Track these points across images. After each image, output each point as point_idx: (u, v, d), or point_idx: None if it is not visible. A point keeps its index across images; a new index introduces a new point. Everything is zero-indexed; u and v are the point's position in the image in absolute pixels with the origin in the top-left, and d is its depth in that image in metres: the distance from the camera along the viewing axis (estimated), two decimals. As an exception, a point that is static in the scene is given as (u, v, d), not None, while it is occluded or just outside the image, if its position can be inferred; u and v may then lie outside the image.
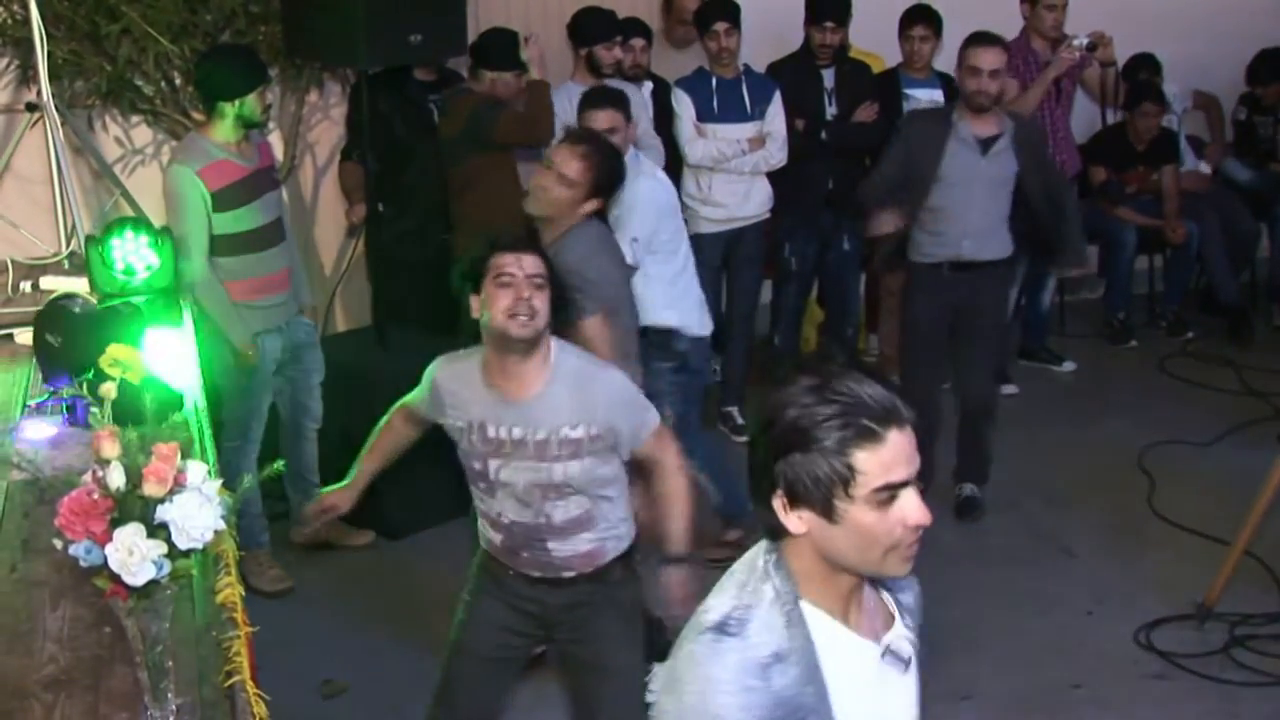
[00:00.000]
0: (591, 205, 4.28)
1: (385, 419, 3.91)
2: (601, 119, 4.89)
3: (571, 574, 3.58)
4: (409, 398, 3.74)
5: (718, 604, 2.00)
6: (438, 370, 3.60)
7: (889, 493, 1.91)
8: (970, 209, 5.51)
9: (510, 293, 3.32)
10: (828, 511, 1.92)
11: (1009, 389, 7.12)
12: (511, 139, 5.75)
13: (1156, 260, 8.17)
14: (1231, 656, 4.73)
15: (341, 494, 3.98)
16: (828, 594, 1.99)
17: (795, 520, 1.95)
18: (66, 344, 3.67)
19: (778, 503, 1.95)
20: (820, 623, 1.98)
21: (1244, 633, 4.84)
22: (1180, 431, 6.40)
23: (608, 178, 4.29)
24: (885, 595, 2.13)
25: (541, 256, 3.45)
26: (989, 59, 5.40)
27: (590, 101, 5.08)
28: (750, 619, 1.96)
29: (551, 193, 4.23)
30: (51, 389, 3.71)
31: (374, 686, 4.74)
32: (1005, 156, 5.48)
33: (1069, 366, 7.47)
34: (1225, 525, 5.10)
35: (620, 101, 5.06)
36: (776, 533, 1.99)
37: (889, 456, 1.90)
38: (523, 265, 3.38)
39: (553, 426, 3.40)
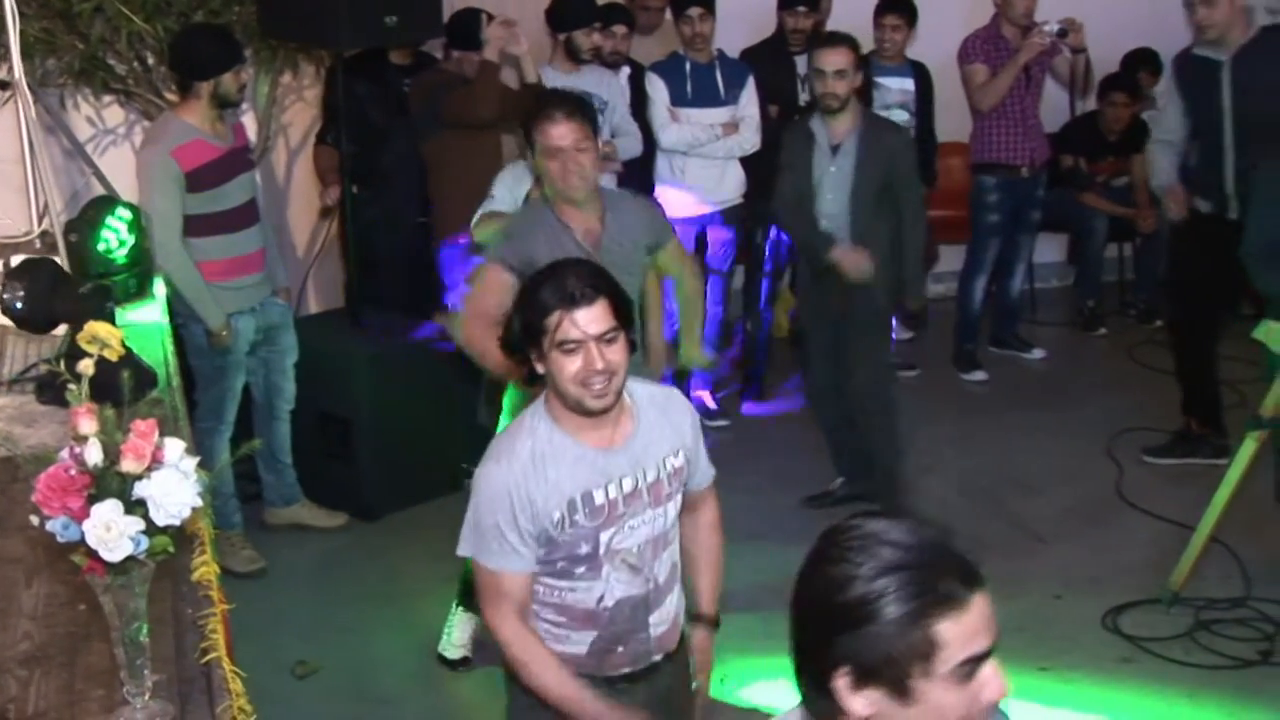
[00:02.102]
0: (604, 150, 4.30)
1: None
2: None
3: (659, 657, 3.10)
4: (496, 568, 2.91)
5: None
6: (498, 479, 2.86)
7: (972, 666, 1.68)
8: (825, 212, 5.47)
9: (579, 359, 2.77)
10: (901, 692, 1.68)
11: (978, 375, 7.17)
12: (454, 117, 5.77)
13: (1126, 249, 8.24)
14: (1196, 640, 4.78)
15: None
16: None
17: (860, 702, 1.70)
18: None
19: (840, 683, 1.70)
20: None
21: (1209, 617, 4.88)
22: (1149, 419, 6.44)
23: (593, 118, 4.11)
24: None
25: (609, 297, 2.80)
26: (833, 60, 5.30)
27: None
28: None
29: (585, 165, 3.94)
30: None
31: (347, 667, 4.74)
32: (848, 159, 5.41)
33: (1039, 354, 7.51)
34: (1191, 512, 5.14)
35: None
36: (831, 716, 1.75)
37: (972, 625, 1.68)
38: (589, 325, 2.77)
39: (659, 460, 2.96)
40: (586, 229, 3.99)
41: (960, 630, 1.67)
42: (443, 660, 4.72)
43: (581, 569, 2.92)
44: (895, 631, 1.65)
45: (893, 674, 1.67)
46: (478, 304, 3.99)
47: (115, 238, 4.28)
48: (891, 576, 1.67)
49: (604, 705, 2.90)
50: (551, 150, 3.93)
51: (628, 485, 2.90)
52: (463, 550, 2.94)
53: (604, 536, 2.89)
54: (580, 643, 2.99)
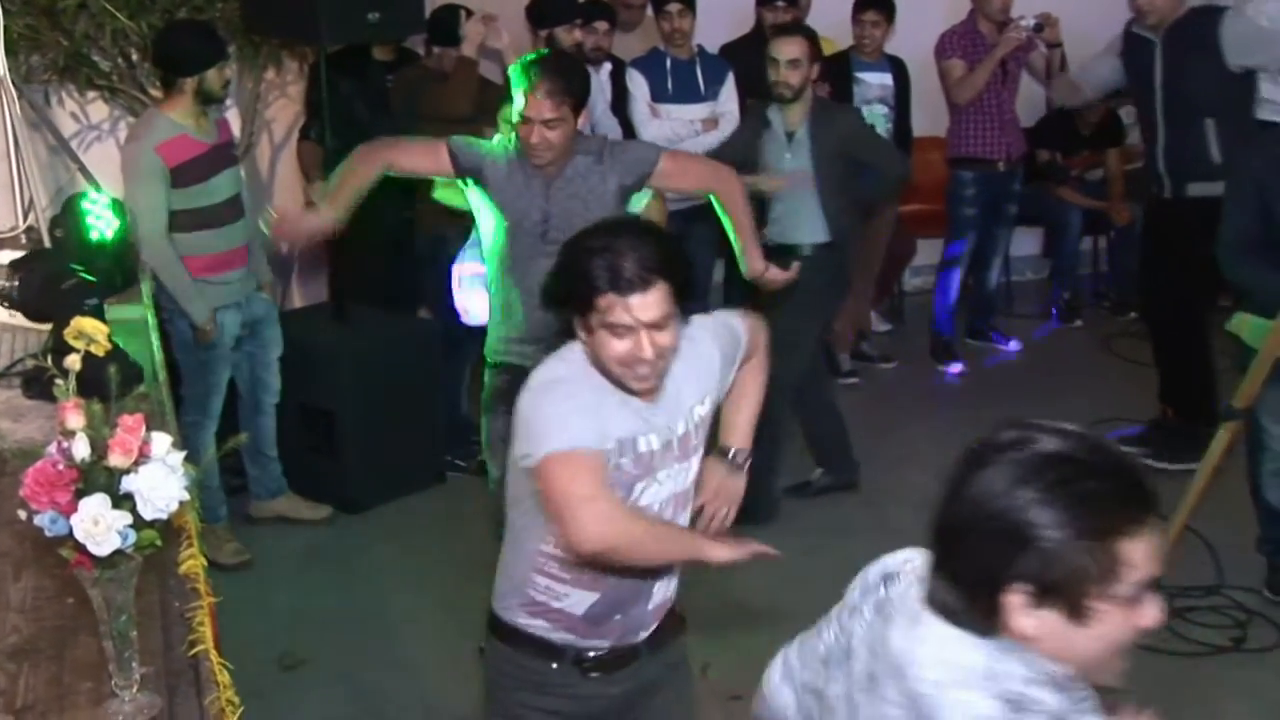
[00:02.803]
0: (583, 120, 4.19)
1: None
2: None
3: (643, 637, 2.92)
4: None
5: None
6: (565, 376, 2.67)
7: (1142, 589, 1.65)
8: (778, 197, 5.49)
9: (625, 344, 2.59)
10: (1077, 612, 1.64)
11: (956, 367, 7.19)
12: (432, 112, 5.77)
13: (1101, 242, 8.27)
14: (1171, 628, 4.80)
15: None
16: None
17: (1032, 622, 1.65)
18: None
19: (1014, 600, 1.65)
20: None
21: (1183, 605, 4.90)
22: (1125, 409, 6.47)
23: (581, 91, 4.07)
24: None
25: (668, 280, 2.58)
26: (787, 49, 5.33)
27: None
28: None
29: (551, 141, 3.98)
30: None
31: (331, 659, 4.73)
32: (803, 149, 5.44)
33: (1015, 345, 7.54)
34: (1166, 501, 5.14)
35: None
36: (984, 629, 1.69)
37: (1152, 545, 1.64)
38: (642, 312, 2.57)
39: (686, 411, 2.79)
40: (551, 173, 4.05)
41: (1143, 550, 1.63)
42: None
43: None
44: (1082, 549, 1.60)
45: (1073, 593, 1.62)
46: (393, 143, 4.25)
47: (102, 223, 4.23)
48: (1076, 493, 1.62)
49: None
50: (525, 118, 3.98)
51: (663, 438, 2.73)
52: (527, 458, 2.62)
53: (637, 488, 2.72)
54: (579, 604, 2.80)
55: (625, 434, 2.66)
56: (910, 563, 1.91)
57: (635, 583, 2.81)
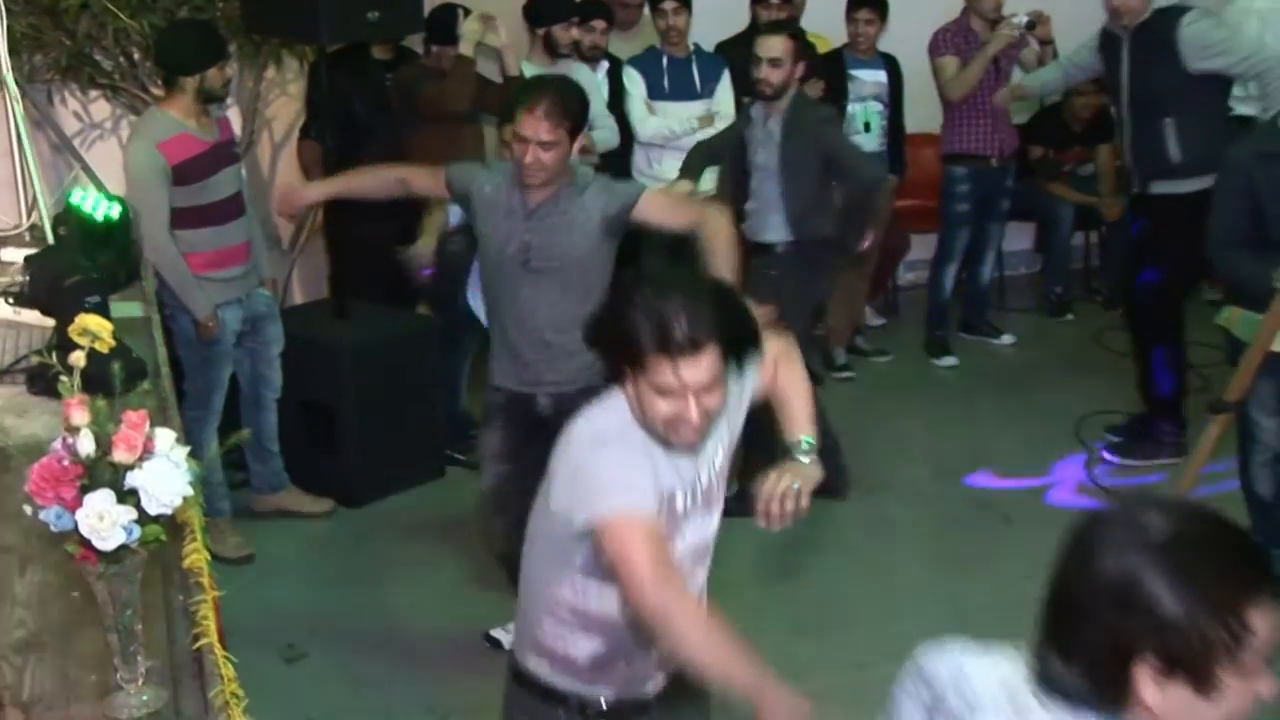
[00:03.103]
0: (578, 145, 4.13)
1: None
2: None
3: (654, 687, 2.81)
4: None
5: None
6: (620, 431, 2.53)
7: (1265, 659, 1.59)
8: (751, 195, 5.50)
9: (671, 406, 2.44)
10: (1205, 684, 1.58)
11: (949, 361, 7.20)
12: (430, 110, 5.77)
13: (1093, 236, 8.28)
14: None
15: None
16: None
17: (1159, 696, 1.59)
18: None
19: (1143, 673, 1.59)
20: None
21: (1175, 595, 4.91)
22: (1115, 401, 6.48)
23: (579, 113, 4.04)
24: None
25: (719, 341, 2.41)
26: (769, 47, 5.33)
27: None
28: None
29: (544, 162, 3.96)
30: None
31: (333, 651, 4.74)
32: (773, 144, 5.44)
33: (1008, 339, 7.54)
34: (1158, 491, 5.18)
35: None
36: (1110, 708, 1.63)
37: (1273, 615, 1.58)
38: (691, 376, 2.40)
39: (709, 460, 2.66)
40: (537, 199, 4.05)
41: (1265, 617, 1.58)
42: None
43: None
44: (1211, 618, 1.56)
45: (1202, 664, 1.57)
46: (410, 169, 4.50)
47: (103, 207, 4.19)
48: (1201, 564, 1.58)
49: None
50: (519, 136, 3.96)
51: (691, 490, 2.61)
52: (574, 512, 2.50)
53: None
54: (582, 649, 2.70)
55: (666, 489, 2.54)
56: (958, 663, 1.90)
57: (642, 633, 2.64)
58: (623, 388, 2.51)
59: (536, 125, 3.92)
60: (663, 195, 4.41)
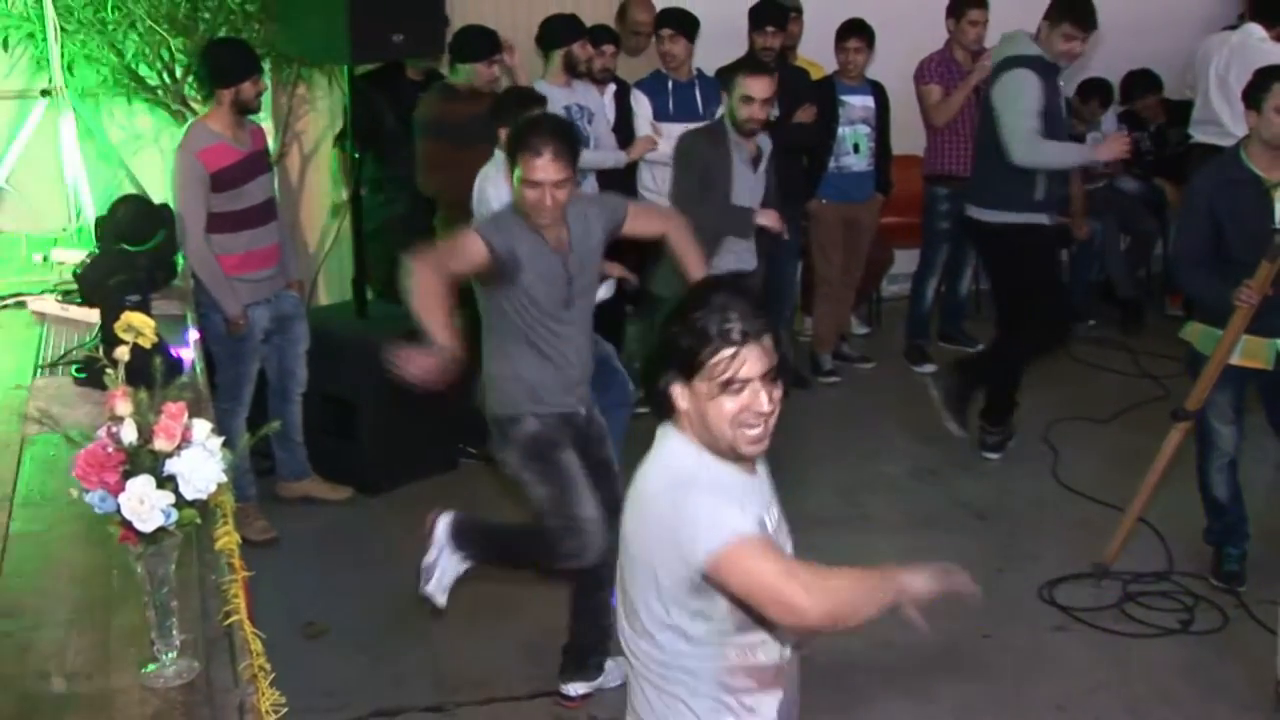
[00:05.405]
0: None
1: None
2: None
3: None
4: None
5: None
6: (708, 475, 2.37)
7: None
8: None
9: (742, 399, 2.32)
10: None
11: (928, 368, 7.19)
12: (445, 120, 5.75)
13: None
14: (1124, 611, 4.81)
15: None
16: None
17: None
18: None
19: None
20: None
21: (1135, 589, 4.92)
22: (1082, 409, 6.49)
23: (578, 147, 3.96)
24: None
25: (774, 331, 2.37)
26: (760, 88, 5.32)
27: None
28: None
29: (560, 201, 3.83)
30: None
31: (352, 628, 4.74)
32: (761, 168, 5.52)
33: (983, 348, 7.53)
34: (1121, 493, 5.18)
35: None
36: None
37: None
38: (758, 363, 2.32)
39: (772, 500, 2.53)
40: (557, 238, 3.92)
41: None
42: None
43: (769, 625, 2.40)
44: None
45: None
46: (442, 253, 3.88)
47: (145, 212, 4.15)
48: None
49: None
50: (531, 182, 3.80)
51: (775, 513, 2.49)
52: (700, 560, 2.29)
53: None
54: (769, 711, 2.48)
55: (755, 513, 2.39)
56: None
57: (797, 674, 2.55)
58: (679, 424, 2.41)
59: (548, 168, 3.78)
60: (637, 205, 4.40)
